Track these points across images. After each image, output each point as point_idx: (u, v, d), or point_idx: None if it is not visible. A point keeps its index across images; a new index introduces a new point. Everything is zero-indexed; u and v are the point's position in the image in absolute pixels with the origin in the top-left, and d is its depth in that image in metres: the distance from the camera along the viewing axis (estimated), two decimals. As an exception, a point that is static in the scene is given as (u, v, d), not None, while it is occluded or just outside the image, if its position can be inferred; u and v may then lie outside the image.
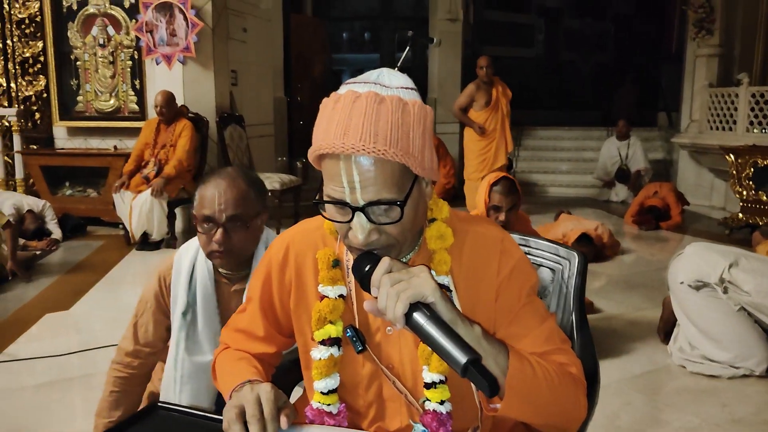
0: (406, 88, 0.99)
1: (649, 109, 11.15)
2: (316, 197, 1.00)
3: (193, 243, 1.73)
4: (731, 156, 6.05)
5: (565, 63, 14.41)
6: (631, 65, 13.81)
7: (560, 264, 1.41)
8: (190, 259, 1.71)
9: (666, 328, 3.34)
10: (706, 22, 7.53)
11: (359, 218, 0.97)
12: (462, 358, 0.89)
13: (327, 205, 1.00)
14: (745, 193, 6.02)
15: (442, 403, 1.06)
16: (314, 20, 10.04)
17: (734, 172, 6.07)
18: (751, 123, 6.77)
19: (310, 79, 9.18)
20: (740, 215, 6.06)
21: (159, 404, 1.06)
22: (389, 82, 0.99)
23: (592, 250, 5.08)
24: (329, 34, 11.16)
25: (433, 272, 1.05)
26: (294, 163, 8.30)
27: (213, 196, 1.58)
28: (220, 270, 1.71)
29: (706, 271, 3.01)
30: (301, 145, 8.98)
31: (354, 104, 0.94)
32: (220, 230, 1.57)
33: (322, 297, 1.10)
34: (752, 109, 6.74)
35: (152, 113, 5.90)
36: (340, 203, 0.97)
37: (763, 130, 6.65)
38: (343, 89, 0.99)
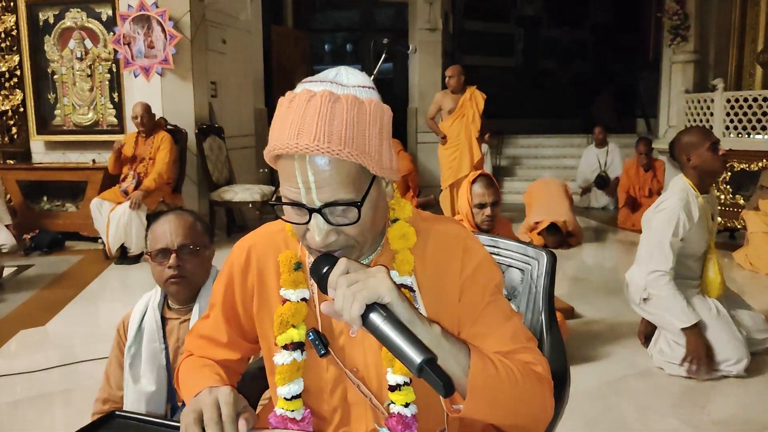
0: (363, 87, 0.98)
1: (627, 116, 11.27)
2: (273, 198, 0.99)
3: (151, 291, 1.90)
4: (708, 160, 6.11)
5: (544, 71, 14.51)
6: (609, 73, 13.97)
7: (529, 264, 1.41)
8: (145, 302, 1.87)
9: (646, 331, 3.35)
10: (681, 29, 7.64)
11: (316, 219, 0.95)
12: (417, 358, 0.88)
13: (284, 207, 0.99)
14: (722, 197, 6.08)
15: (407, 405, 1.04)
16: (295, 32, 10.06)
17: (711, 176, 6.13)
18: (727, 128, 6.85)
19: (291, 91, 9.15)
20: (719, 219, 6.11)
21: (116, 413, 1.04)
22: (346, 81, 0.98)
23: (559, 238, 5.84)
24: (311, 45, 11.18)
25: (396, 272, 1.05)
26: (275, 175, 8.27)
27: (164, 230, 1.76)
28: (170, 305, 1.85)
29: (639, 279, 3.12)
30: (282, 157, 8.93)
31: (308, 103, 0.93)
32: (173, 255, 1.74)
33: (284, 300, 1.08)
34: (728, 114, 6.82)
35: (131, 126, 5.86)
36: (297, 204, 0.96)
37: (739, 135, 6.73)
38: (299, 88, 0.98)
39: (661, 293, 2.99)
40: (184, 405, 1.12)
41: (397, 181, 1.05)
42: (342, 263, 0.94)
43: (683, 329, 2.94)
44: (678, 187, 3.06)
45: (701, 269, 3.13)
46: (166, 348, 1.82)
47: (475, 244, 1.11)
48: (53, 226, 6.07)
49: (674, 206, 2.98)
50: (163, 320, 1.84)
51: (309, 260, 1.10)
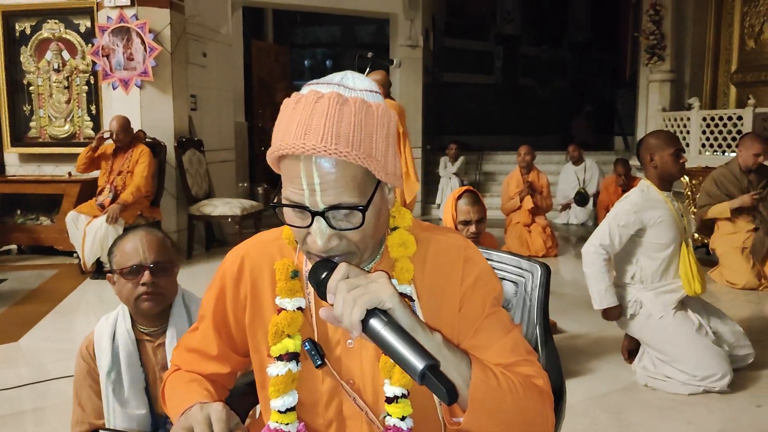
0: (371, 91, 0.97)
1: (605, 134, 11.44)
2: (274, 200, 0.96)
3: (111, 314, 1.84)
4: (685, 177, 6.20)
5: (523, 89, 14.72)
6: (587, 91, 14.19)
7: (523, 277, 1.38)
8: (111, 325, 1.80)
9: (630, 346, 3.35)
10: (657, 49, 7.80)
11: (319, 223, 0.93)
12: (419, 364, 0.85)
13: (285, 209, 0.96)
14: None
15: (403, 419, 1.01)
16: (275, 47, 10.07)
17: (689, 193, 6.22)
18: (703, 145, 6.97)
19: (271, 106, 9.17)
20: (696, 235, 6.18)
21: (101, 430, 0.99)
22: (353, 85, 0.97)
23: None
24: (291, 60, 11.19)
25: (396, 281, 1.02)
26: (255, 189, 8.21)
27: (135, 246, 1.72)
28: (141, 329, 1.80)
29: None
30: (262, 171, 8.92)
31: (316, 104, 0.91)
32: (147, 272, 1.69)
33: (280, 310, 1.05)
34: (704, 132, 6.95)
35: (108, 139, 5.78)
36: (299, 207, 0.93)
37: (715, 152, 6.85)
38: (306, 89, 0.96)
39: (589, 270, 3.17)
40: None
41: (399, 188, 1.03)
42: (342, 268, 0.92)
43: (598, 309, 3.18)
44: (640, 184, 3.24)
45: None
46: (145, 372, 1.76)
47: (476, 255, 1.10)
48: (27, 240, 5.95)
49: (630, 201, 3.15)
50: (137, 342, 1.79)
51: (306, 268, 1.07)
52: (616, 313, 3.17)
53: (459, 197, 3.12)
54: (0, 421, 2.73)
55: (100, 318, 4.29)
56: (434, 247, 1.09)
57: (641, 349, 3.23)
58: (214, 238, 6.45)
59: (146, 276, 1.69)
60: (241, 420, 1.30)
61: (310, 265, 1.01)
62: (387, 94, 5.98)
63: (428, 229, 1.12)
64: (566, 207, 8.33)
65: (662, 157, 3.10)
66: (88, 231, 4.99)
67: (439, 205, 9.07)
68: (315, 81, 0.98)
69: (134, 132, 5.43)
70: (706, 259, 5.67)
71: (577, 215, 8.27)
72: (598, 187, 8.09)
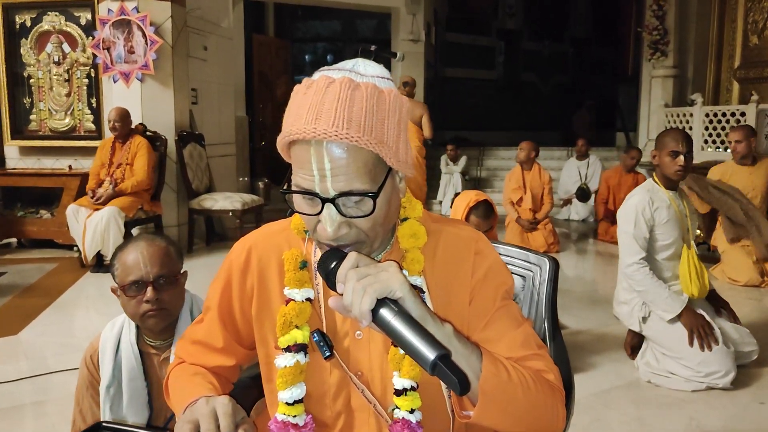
0: (382, 78, 0.96)
1: (607, 129, 11.40)
2: (284, 187, 0.94)
3: (118, 320, 1.74)
4: (688, 173, 6.16)
5: (525, 84, 14.69)
6: (589, 86, 14.14)
7: (531, 271, 1.37)
8: (116, 334, 1.71)
9: (633, 342, 3.34)
10: (660, 44, 7.77)
11: (329, 210, 0.91)
12: (430, 354, 0.83)
13: (295, 197, 0.95)
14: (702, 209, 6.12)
15: (412, 412, 0.99)
16: (276, 41, 10.03)
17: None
18: (705, 141, 6.95)
19: (272, 100, 9.15)
20: (698, 232, 6.16)
21: (102, 423, 0.97)
22: (364, 71, 0.96)
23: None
24: (292, 55, 11.16)
25: (406, 272, 1.01)
26: (256, 183, 8.20)
27: (136, 259, 1.60)
28: (147, 341, 1.71)
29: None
30: (263, 165, 8.90)
31: (327, 89, 0.90)
32: (150, 288, 1.58)
33: (288, 301, 1.03)
34: (706, 128, 6.93)
35: (109, 132, 5.76)
36: (310, 193, 0.92)
37: (717, 148, 6.82)
38: (317, 75, 0.95)
39: (642, 287, 3.07)
40: None
41: (410, 178, 1.01)
42: (352, 257, 0.91)
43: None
44: (645, 183, 3.22)
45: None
46: (148, 386, 1.68)
47: (487, 248, 1.08)
48: (27, 234, 5.92)
49: (633, 202, 3.12)
50: (141, 354, 1.69)
51: (315, 259, 1.05)
52: (693, 314, 3.00)
53: (474, 207, 3.05)
54: (0, 414, 2.72)
55: (100, 312, 4.27)
56: (445, 239, 1.07)
57: (644, 345, 3.22)
58: (215, 233, 6.43)
59: (149, 293, 1.58)
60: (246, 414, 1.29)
61: (318, 256, 0.99)
62: (411, 95, 6.14)
63: (439, 221, 1.11)
64: (567, 202, 8.30)
65: (661, 156, 3.09)
66: (88, 224, 4.97)
67: (441, 202, 9.05)
68: (326, 67, 0.97)
69: (134, 125, 5.42)
70: (708, 255, 5.66)
71: (578, 211, 8.24)
72: (600, 183, 8.07)
